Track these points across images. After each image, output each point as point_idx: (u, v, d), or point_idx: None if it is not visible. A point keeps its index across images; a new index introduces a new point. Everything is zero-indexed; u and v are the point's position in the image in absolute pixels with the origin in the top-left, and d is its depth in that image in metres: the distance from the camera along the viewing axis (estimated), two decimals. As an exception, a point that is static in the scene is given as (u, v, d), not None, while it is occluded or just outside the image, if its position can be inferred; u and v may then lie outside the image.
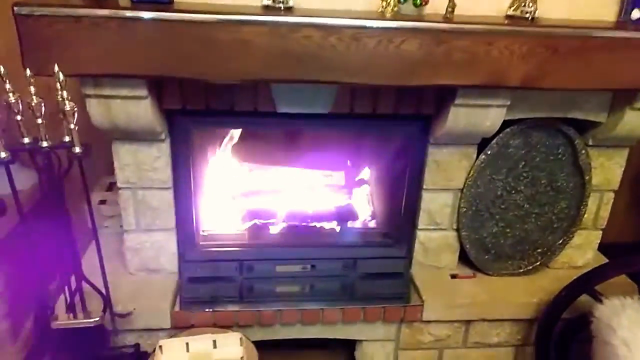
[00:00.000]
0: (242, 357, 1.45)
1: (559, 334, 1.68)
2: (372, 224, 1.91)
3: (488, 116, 1.44)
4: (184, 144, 1.53)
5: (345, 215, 1.87)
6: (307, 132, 1.82)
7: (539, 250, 1.80)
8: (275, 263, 1.72)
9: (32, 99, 1.14)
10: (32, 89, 1.13)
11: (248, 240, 1.78)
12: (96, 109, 1.32)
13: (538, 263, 1.81)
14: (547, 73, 1.29)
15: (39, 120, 1.17)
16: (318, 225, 1.84)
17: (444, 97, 1.45)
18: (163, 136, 1.49)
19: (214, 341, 1.49)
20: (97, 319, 1.39)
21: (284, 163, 1.88)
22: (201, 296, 1.62)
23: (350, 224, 1.88)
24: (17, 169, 1.65)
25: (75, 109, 1.15)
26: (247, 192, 1.84)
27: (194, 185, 1.62)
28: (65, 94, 1.12)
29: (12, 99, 1.14)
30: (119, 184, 1.56)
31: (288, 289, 1.69)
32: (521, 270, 1.82)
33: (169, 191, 1.59)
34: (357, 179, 1.98)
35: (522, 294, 1.73)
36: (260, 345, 1.56)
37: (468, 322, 1.74)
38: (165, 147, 1.52)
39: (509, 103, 1.41)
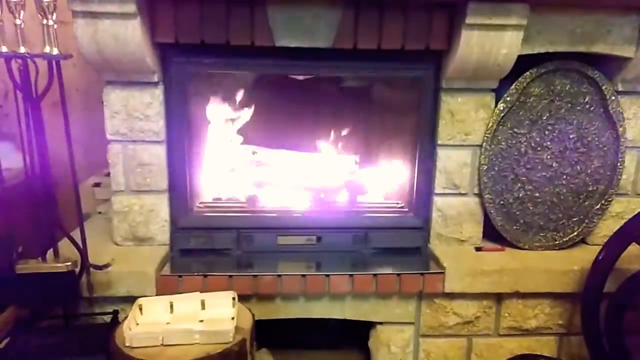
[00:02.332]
0: (232, 318, 1.24)
1: (609, 313, 1.42)
2: (383, 190, 1.74)
3: (503, 40, 1.33)
4: (179, 90, 1.44)
5: (354, 184, 1.70)
6: (312, 84, 1.70)
7: (575, 219, 1.59)
8: (277, 233, 1.56)
9: (11, -5, 1.08)
10: (13, -17, 1.08)
11: (247, 208, 1.62)
12: (84, 31, 1.26)
13: (574, 234, 1.59)
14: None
15: (18, 21, 1.10)
16: (324, 195, 1.68)
17: (455, 23, 1.35)
18: (156, 78, 1.41)
19: (203, 301, 1.29)
20: (69, 264, 1.22)
21: (289, 134, 1.76)
22: (193, 271, 1.44)
23: (359, 195, 1.71)
24: (8, 150, 1.59)
25: (55, 1, 1.07)
26: (250, 161, 1.70)
27: (190, 141, 1.51)
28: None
29: (-9, -2, 1.08)
30: (108, 136, 1.46)
31: (291, 264, 1.50)
32: (556, 243, 1.59)
33: (162, 145, 1.47)
34: (364, 139, 1.83)
35: (560, 263, 1.50)
36: (269, 344, 1.38)
37: (499, 299, 1.50)
38: (158, 94, 1.43)
39: (525, 23, 1.30)
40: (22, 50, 1.12)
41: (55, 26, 1.10)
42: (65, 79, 1.18)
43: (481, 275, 1.45)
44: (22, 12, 1.10)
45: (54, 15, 1.09)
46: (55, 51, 1.11)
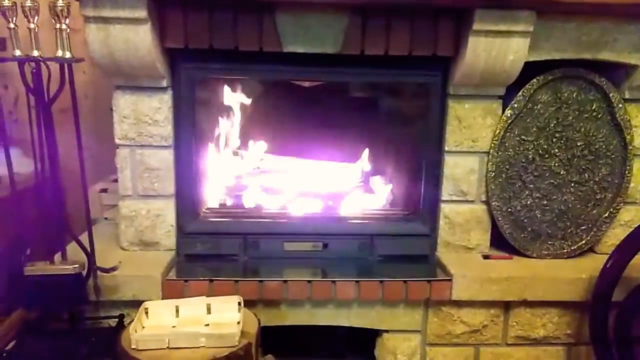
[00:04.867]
0: (238, 322, 1.23)
1: (618, 322, 1.40)
2: (390, 197, 1.74)
3: (510, 47, 1.33)
4: (187, 96, 1.45)
5: (360, 190, 1.70)
6: (318, 91, 1.70)
7: (583, 227, 1.58)
8: (283, 239, 1.56)
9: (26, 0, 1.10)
10: (26, -13, 1.10)
11: (254, 213, 1.62)
12: (95, 36, 1.27)
13: (583, 242, 1.58)
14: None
15: (32, 25, 1.12)
16: (331, 202, 1.68)
17: (462, 29, 1.36)
18: (165, 83, 1.42)
19: (208, 306, 1.28)
20: (76, 266, 1.22)
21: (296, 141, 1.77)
22: (199, 276, 1.43)
23: (366, 200, 1.71)
24: (17, 156, 1.61)
25: (69, 6, 1.09)
26: (257, 167, 1.70)
27: (197, 146, 1.52)
28: (59, -13, 1.08)
29: (6, 2, 1.10)
30: (116, 141, 1.47)
31: (296, 271, 1.49)
32: (564, 251, 1.58)
33: (170, 150, 1.48)
34: (370, 146, 1.84)
35: (568, 271, 1.49)
36: (275, 351, 1.39)
37: (507, 308, 1.49)
38: (167, 99, 1.44)
39: (532, 29, 1.31)
40: (36, 53, 1.13)
41: (68, 30, 1.11)
42: (75, 85, 1.20)
43: (489, 283, 1.44)
44: (36, 16, 1.12)
45: (67, 19, 1.10)
46: (67, 55, 1.12)
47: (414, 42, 1.39)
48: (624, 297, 1.40)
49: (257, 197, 1.67)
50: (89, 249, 1.30)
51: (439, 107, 1.50)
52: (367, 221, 1.62)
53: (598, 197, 1.56)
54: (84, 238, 1.31)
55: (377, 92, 1.83)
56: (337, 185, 1.71)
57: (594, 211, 1.57)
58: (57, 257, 1.26)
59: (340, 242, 1.57)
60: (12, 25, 1.12)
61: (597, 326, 1.42)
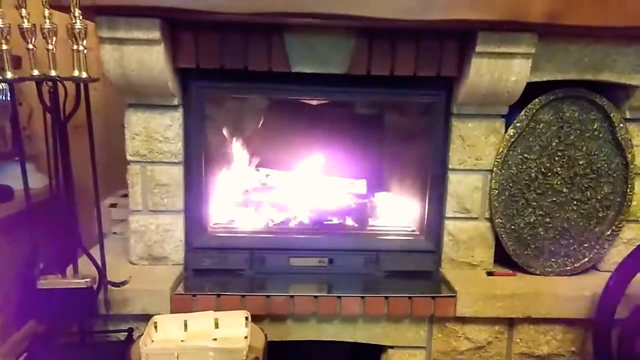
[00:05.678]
0: (245, 337, 1.25)
1: (621, 340, 1.42)
2: (395, 214, 1.76)
3: (512, 68, 1.37)
4: (197, 113, 1.49)
5: (365, 207, 1.73)
6: (325, 110, 1.75)
7: (585, 245, 1.60)
8: (289, 255, 1.58)
9: (45, 22, 1.14)
10: (47, 11, 1.14)
11: (260, 229, 1.64)
12: (110, 55, 1.32)
13: (586, 260, 1.60)
14: (573, 7, 1.24)
15: (50, 46, 1.16)
16: (337, 219, 1.71)
17: (466, 51, 1.40)
18: (176, 101, 1.46)
19: (216, 320, 1.30)
20: (88, 280, 1.25)
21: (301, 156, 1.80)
22: (207, 290, 1.45)
23: (371, 216, 1.73)
24: (31, 170, 1.65)
25: (86, 28, 1.14)
26: (263, 185, 1.74)
27: (206, 162, 1.55)
28: (77, 11, 1.12)
29: (26, 24, 1.14)
30: (128, 157, 1.50)
31: (302, 286, 1.51)
32: (567, 269, 1.60)
33: (179, 167, 1.52)
34: (376, 163, 1.87)
35: (572, 288, 1.50)
36: None
37: (511, 324, 1.50)
38: (178, 116, 1.48)
39: (533, 51, 1.34)
40: (53, 73, 1.17)
41: (85, 51, 1.15)
42: (89, 102, 1.23)
43: (493, 300, 1.45)
44: (54, 38, 1.16)
45: (85, 41, 1.14)
46: (84, 75, 1.16)
47: (418, 63, 1.43)
48: (627, 314, 1.41)
49: (263, 213, 1.70)
50: (100, 263, 1.32)
51: (443, 125, 1.54)
52: (372, 237, 1.64)
53: (600, 215, 1.58)
54: (94, 252, 1.34)
55: (382, 110, 1.87)
56: (343, 201, 1.73)
57: (597, 229, 1.59)
58: (69, 270, 1.29)
59: (345, 257, 1.59)
60: (30, 46, 1.16)
61: (600, 343, 1.43)
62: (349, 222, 1.71)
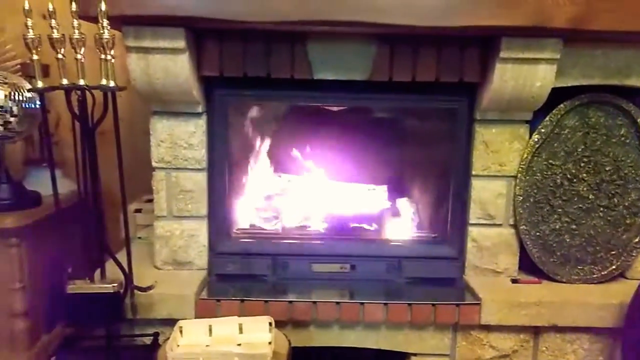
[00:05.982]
0: (269, 342, 1.26)
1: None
2: (418, 220, 1.76)
3: (537, 74, 1.35)
4: (221, 120, 1.51)
5: (387, 213, 1.73)
6: (346, 115, 1.75)
7: (613, 252, 1.57)
8: (312, 260, 1.59)
9: (74, 32, 1.17)
10: (75, 22, 1.17)
11: (282, 234, 1.65)
12: (136, 64, 1.34)
13: (613, 267, 1.57)
14: (598, 12, 1.22)
15: (78, 56, 1.19)
16: (359, 225, 1.71)
17: (489, 56, 1.39)
18: (200, 109, 1.48)
19: (240, 325, 1.31)
20: (115, 285, 1.27)
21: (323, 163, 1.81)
22: (230, 295, 1.47)
23: (393, 222, 1.72)
24: (58, 176, 1.68)
25: (114, 38, 1.16)
26: (286, 189, 1.75)
27: (229, 169, 1.57)
28: (105, 22, 1.14)
29: (55, 35, 1.17)
30: (153, 164, 1.53)
31: (325, 292, 1.51)
32: (594, 276, 1.57)
33: (203, 173, 1.53)
34: (398, 169, 1.87)
35: (599, 296, 1.48)
36: None
37: (536, 333, 1.48)
38: (201, 123, 1.50)
39: (558, 57, 1.33)
40: (82, 82, 1.20)
41: (113, 60, 1.18)
42: (116, 110, 1.26)
43: (518, 308, 1.43)
44: (83, 48, 1.19)
45: (112, 50, 1.17)
46: (112, 84, 1.18)
47: (440, 68, 1.42)
48: (657, 324, 1.38)
49: (286, 219, 1.71)
50: (126, 268, 1.35)
51: (466, 131, 1.53)
52: (394, 243, 1.64)
53: (628, 222, 1.55)
54: (120, 257, 1.36)
55: (404, 116, 1.87)
56: (365, 207, 1.73)
57: (624, 236, 1.56)
58: (97, 275, 1.31)
59: (367, 264, 1.59)
60: (60, 56, 1.19)
61: (629, 352, 1.40)
62: (371, 228, 1.71)
